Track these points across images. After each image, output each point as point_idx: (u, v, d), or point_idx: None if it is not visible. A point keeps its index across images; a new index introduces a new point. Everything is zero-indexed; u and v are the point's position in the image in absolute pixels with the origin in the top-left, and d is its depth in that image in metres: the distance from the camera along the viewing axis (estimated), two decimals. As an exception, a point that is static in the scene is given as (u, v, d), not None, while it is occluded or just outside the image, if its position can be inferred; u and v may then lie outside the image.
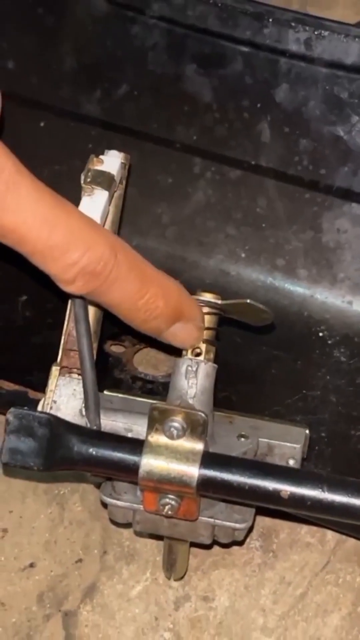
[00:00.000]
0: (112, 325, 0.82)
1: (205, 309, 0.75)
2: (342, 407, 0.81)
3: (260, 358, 0.85)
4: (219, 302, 0.74)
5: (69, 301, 0.76)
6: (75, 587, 0.81)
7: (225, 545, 0.78)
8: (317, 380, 0.83)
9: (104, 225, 0.80)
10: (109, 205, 0.77)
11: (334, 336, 0.85)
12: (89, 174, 0.77)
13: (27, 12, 0.90)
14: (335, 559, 0.81)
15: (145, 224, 0.88)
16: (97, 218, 0.76)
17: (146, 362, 0.86)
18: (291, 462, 0.74)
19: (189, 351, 0.74)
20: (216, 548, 0.80)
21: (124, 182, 0.79)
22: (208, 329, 0.75)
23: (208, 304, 0.74)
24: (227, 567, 0.82)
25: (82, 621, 0.79)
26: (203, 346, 0.74)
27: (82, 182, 0.77)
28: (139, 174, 0.83)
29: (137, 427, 0.71)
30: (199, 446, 0.68)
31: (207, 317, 0.76)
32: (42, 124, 0.89)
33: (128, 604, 0.80)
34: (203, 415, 0.69)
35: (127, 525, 0.77)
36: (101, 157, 0.78)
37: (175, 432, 0.69)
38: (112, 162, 0.78)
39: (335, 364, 0.84)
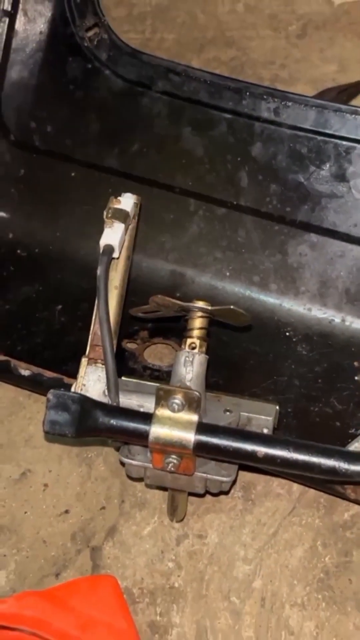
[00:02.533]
0: (128, 327, 0.83)
1: (199, 314, 0.74)
2: (303, 389, 0.81)
3: (241, 351, 0.84)
4: (209, 308, 0.73)
5: (95, 307, 0.74)
6: (100, 528, 0.81)
7: (215, 495, 0.80)
8: (284, 369, 0.83)
9: (120, 251, 0.79)
10: (125, 234, 0.78)
11: (297, 335, 0.85)
12: (110, 211, 0.78)
13: (62, 88, 0.89)
14: (299, 505, 0.82)
15: (152, 249, 0.88)
16: (116, 245, 0.77)
17: (154, 356, 0.85)
18: (265, 431, 0.74)
19: (187, 345, 0.73)
20: (208, 497, 0.80)
21: (136, 217, 0.79)
22: (201, 328, 0.74)
23: (201, 309, 0.74)
24: (216, 512, 0.82)
25: (105, 554, 0.79)
26: (197, 341, 0.73)
27: (104, 217, 0.78)
28: (147, 211, 0.83)
29: (147, 404, 0.71)
30: (194, 418, 0.68)
31: (200, 319, 0.74)
32: (73, 174, 0.89)
33: (141, 541, 0.80)
34: (197, 394, 0.69)
35: (140, 479, 0.77)
36: (119, 198, 0.78)
37: (176, 406, 0.69)
38: (127, 202, 0.79)
39: (298, 357, 0.84)
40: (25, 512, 0.84)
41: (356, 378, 0.83)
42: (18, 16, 0.91)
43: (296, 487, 0.83)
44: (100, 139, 0.91)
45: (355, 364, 0.84)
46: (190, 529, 0.83)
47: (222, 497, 0.82)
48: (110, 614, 0.74)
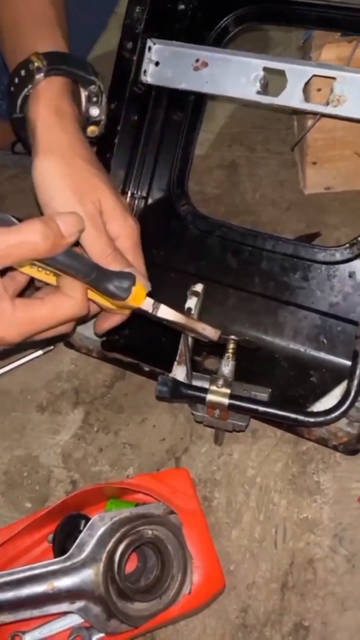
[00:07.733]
0: (197, 348, 0.81)
1: (232, 342, 0.77)
2: (284, 383, 0.83)
3: (252, 362, 0.82)
4: (237, 338, 0.77)
5: (181, 338, 0.77)
6: (180, 447, 0.86)
7: (237, 432, 0.83)
8: (274, 373, 0.83)
9: (195, 311, 0.76)
10: (198, 302, 0.79)
11: (281, 357, 0.83)
12: (190, 290, 0.79)
13: (167, 235, 0.89)
14: (280, 441, 0.85)
15: (209, 312, 0.83)
16: (192, 307, 0.78)
17: (209, 364, 0.88)
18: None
19: (225, 357, 0.76)
20: (234, 433, 0.84)
21: (202, 296, 0.80)
22: (232, 349, 0.77)
23: (232, 340, 0.77)
24: (237, 442, 0.86)
25: (183, 460, 0.86)
26: (231, 355, 0.77)
27: (187, 294, 0.78)
28: (208, 294, 0.81)
29: (205, 385, 0.75)
30: (228, 391, 0.74)
31: (232, 344, 0.77)
32: (172, 275, 0.90)
33: (199, 455, 0.85)
34: (230, 380, 0.75)
35: (201, 422, 0.81)
36: (196, 285, 0.80)
37: (219, 385, 0.74)
38: (199, 287, 0.80)
39: (281, 368, 0.84)
40: (144, 439, 0.88)
41: (311, 379, 0.83)
42: (149, 200, 0.93)
43: (279, 431, 0.85)
44: (187, 257, 0.90)
45: (311, 372, 0.83)
46: (224, 449, 0.85)
47: (241, 433, 0.85)
48: (185, 487, 0.77)
